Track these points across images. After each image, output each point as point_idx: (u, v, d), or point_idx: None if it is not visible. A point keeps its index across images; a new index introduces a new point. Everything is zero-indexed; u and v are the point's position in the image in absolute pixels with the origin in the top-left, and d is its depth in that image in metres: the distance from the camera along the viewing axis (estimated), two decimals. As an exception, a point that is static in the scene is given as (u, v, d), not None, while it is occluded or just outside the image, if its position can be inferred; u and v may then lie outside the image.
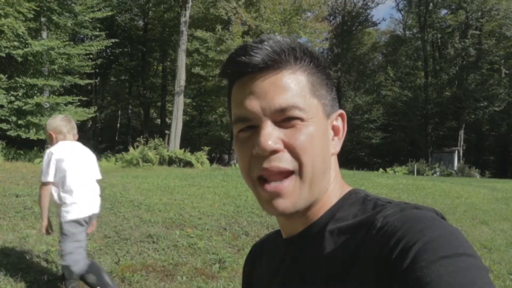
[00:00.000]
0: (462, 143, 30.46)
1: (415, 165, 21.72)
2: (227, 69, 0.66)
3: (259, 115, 0.62)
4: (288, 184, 0.62)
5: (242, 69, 0.64)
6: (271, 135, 0.61)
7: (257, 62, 0.62)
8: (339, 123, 0.71)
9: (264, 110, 0.62)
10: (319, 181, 0.65)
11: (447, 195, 9.94)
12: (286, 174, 0.62)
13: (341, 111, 0.72)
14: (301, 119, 0.63)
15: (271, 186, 0.62)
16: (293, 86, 0.63)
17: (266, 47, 0.63)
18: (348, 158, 33.81)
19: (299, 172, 0.63)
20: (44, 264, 4.33)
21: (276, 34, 0.66)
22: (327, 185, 0.68)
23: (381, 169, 23.74)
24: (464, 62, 31.53)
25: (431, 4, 33.27)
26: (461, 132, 30.72)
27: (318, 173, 0.64)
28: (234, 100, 0.67)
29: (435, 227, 0.54)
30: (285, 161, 0.62)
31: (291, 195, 0.63)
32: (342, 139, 0.72)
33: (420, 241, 0.52)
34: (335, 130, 0.71)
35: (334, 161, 0.71)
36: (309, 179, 0.63)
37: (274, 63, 0.63)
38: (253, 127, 0.64)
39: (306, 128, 0.63)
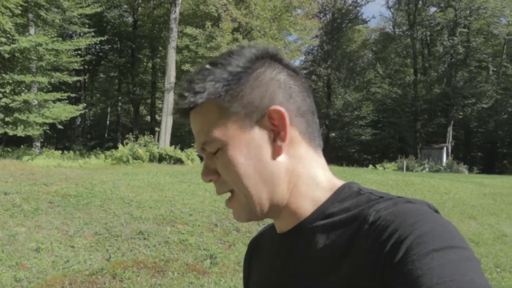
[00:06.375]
0: (450, 140, 30.79)
1: (405, 161, 21.89)
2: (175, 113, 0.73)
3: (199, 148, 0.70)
4: (233, 203, 0.69)
5: (182, 113, 0.70)
6: (204, 169, 0.69)
7: (185, 107, 0.67)
8: (269, 123, 0.65)
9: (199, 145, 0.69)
10: (262, 194, 0.65)
11: (436, 191, 10.05)
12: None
13: (267, 110, 0.65)
14: (219, 149, 0.66)
15: (227, 202, 0.70)
16: (201, 123, 0.67)
17: (185, 94, 0.66)
18: (338, 155, 34.00)
19: (236, 195, 0.68)
20: (34, 261, 4.30)
21: (206, 65, 0.68)
22: (282, 190, 0.66)
23: (371, 166, 23.88)
24: (453, 60, 31.84)
25: (420, 2, 33.51)
26: (450, 129, 31.04)
27: (254, 190, 0.64)
28: None
29: (427, 220, 0.55)
30: (221, 186, 0.68)
31: (237, 211, 0.69)
32: (287, 133, 0.65)
33: (412, 234, 0.52)
34: (274, 132, 0.65)
35: (303, 160, 0.67)
36: (245, 199, 0.66)
37: (194, 104, 0.66)
38: None
39: (222, 158, 0.65)
